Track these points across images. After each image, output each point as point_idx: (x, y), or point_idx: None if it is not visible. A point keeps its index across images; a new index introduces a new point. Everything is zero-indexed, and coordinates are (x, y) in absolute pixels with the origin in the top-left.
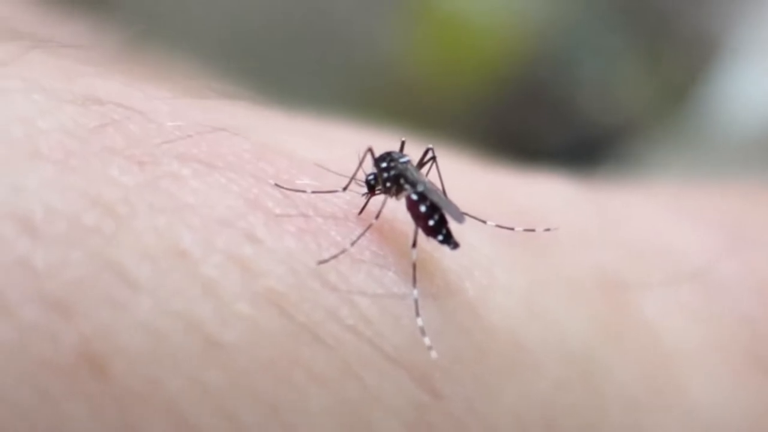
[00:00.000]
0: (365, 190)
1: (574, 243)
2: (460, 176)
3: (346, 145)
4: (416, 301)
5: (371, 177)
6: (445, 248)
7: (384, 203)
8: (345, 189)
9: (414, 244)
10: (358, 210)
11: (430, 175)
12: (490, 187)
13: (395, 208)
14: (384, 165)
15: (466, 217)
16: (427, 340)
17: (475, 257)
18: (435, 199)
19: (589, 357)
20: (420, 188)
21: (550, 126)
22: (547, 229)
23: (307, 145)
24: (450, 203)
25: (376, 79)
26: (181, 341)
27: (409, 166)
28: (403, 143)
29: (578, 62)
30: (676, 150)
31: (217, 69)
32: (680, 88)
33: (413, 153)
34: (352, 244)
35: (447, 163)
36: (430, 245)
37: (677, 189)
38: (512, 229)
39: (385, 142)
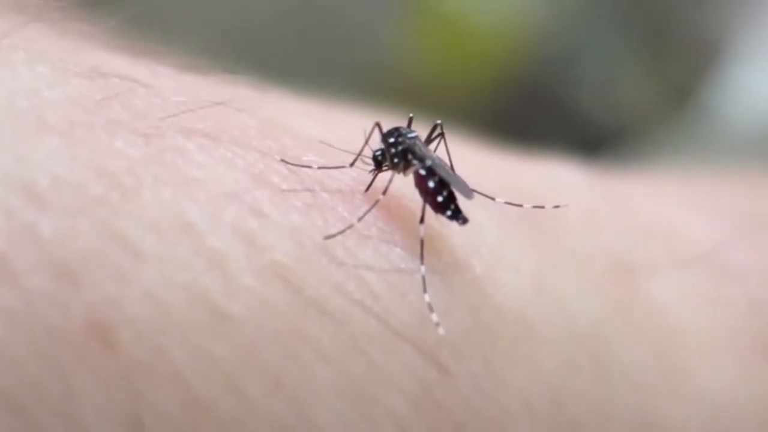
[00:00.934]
0: (372, 167)
1: (584, 226)
2: (468, 160)
3: (352, 125)
4: (423, 278)
5: (379, 153)
6: (454, 225)
7: (391, 179)
8: (352, 165)
9: (422, 220)
10: (365, 187)
11: (438, 152)
12: (499, 170)
13: (402, 186)
14: (392, 140)
15: (475, 195)
16: (434, 317)
17: (483, 236)
18: (443, 174)
19: (597, 338)
20: (428, 163)
21: (552, 126)
22: (557, 206)
23: (312, 123)
24: (459, 179)
25: (377, 78)
26: (187, 313)
27: (417, 141)
28: (410, 119)
29: (581, 62)
30: (678, 150)
31: (219, 65)
32: (682, 89)
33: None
34: (359, 219)
35: (455, 148)
36: (438, 222)
37: (684, 176)
38: (521, 205)
39: (391, 123)
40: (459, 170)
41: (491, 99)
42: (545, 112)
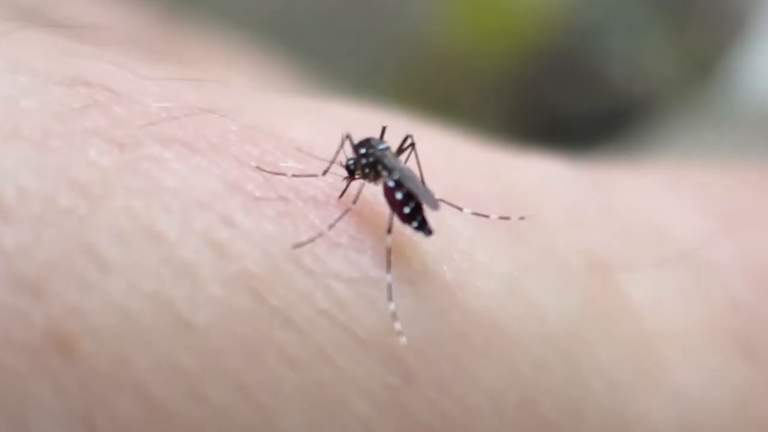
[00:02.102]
0: (347, 174)
1: (564, 223)
2: (459, 156)
3: (340, 124)
4: (389, 286)
5: (351, 162)
6: (420, 235)
7: (362, 188)
8: (324, 173)
9: (389, 231)
10: (340, 194)
11: (409, 162)
12: (488, 167)
13: (377, 192)
14: (363, 151)
15: (441, 206)
16: (397, 325)
17: (456, 240)
18: (411, 186)
19: (572, 338)
20: (396, 175)
21: (579, 96)
22: (522, 218)
23: (298, 124)
24: (426, 191)
25: (408, 51)
26: (151, 322)
27: (387, 152)
28: (383, 129)
29: (606, 34)
30: (700, 121)
31: (250, 42)
32: (706, 61)
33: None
34: (330, 227)
35: (444, 144)
36: (408, 230)
37: (678, 168)
38: (487, 216)
39: (381, 121)
40: (444, 168)
41: (520, 70)
42: (572, 82)
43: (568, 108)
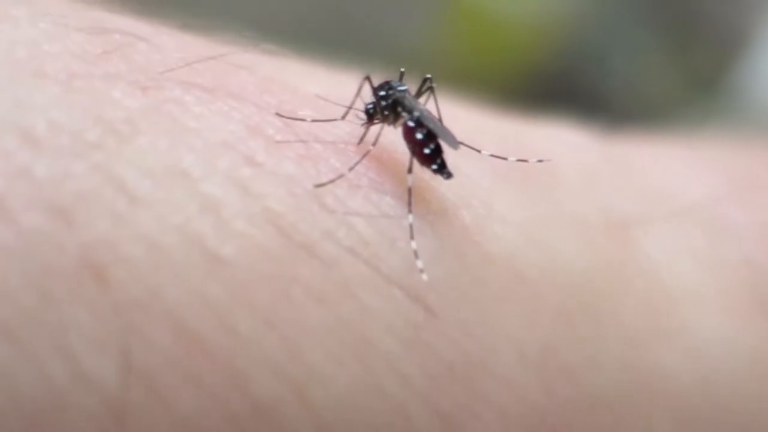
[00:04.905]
0: (364, 120)
1: (579, 182)
2: (467, 119)
3: (351, 84)
4: (411, 225)
5: (370, 105)
6: (440, 178)
7: (381, 131)
8: (343, 118)
9: (410, 170)
10: (359, 139)
11: (428, 106)
12: (497, 130)
13: (395, 140)
14: (382, 93)
15: (465, 150)
16: (419, 263)
17: (473, 188)
18: (431, 126)
19: (590, 290)
20: (416, 114)
21: (580, 116)
22: (540, 160)
23: (311, 82)
24: (446, 130)
25: (407, 67)
26: (180, 254)
27: (406, 94)
28: (402, 74)
29: (607, 53)
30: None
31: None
32: (708, 79)
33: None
34: (350, 169)
35: (456, 109)
36: (427, 174)
37: (689, 141)
38: (506, 158)
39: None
40: (455, 127)
41: (518, 90)
42: (572, 102)
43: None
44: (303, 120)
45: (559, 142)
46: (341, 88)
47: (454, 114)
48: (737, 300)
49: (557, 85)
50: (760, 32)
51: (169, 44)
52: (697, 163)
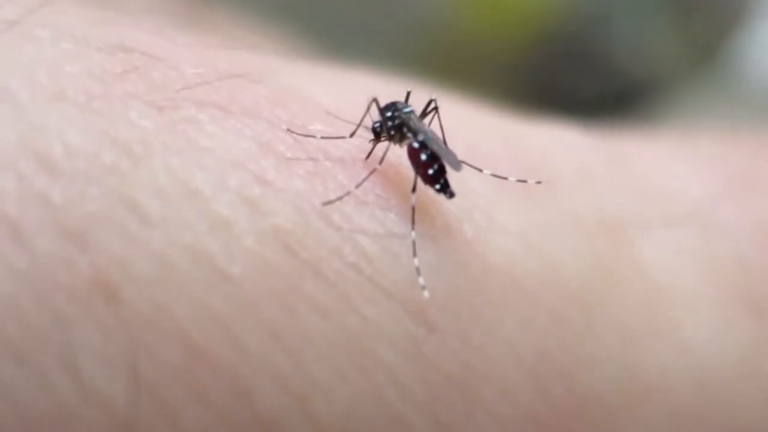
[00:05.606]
0: (373, 137)
1: (578, 185)
2: (471, 123)
3: (365, 91)
4: (414, 242)
5: (377, 125)
6: (442, 197)
7: (387, 149)
8: (351, 136)
9: (414, 189)
10: (366, 155)
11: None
12: (500, 132)
13: (401, 155)
14: (388, 114)
15: (464, 166)
16: (421, 280)
17: (476, 200)
18: (435, 147)
19: (586, 292)
20: (421, 137)
21: (586, 79)
22: (538, 182)
23: (325, 89)
24: (449, 152)
25: (418, 36)
26: (189, 271)
27: (412, 116)
28: (408, 94)
29: (612, 19)
30: (705, 102)
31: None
32: (710, 44)
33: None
34: (357, 186)
35: (461, 111)
36: (431, 191)
37: (685, 137)
38: (506, 178)
39: (404, 89)
40: (463, 134)
41: (528, 54)
42: (579, 65)
43: (577, 89)
44: (313, 137)
45: (559, 142)
46: (354, 97)
47: (458, 115)
48: (729, 300)
49: (564, 49)
50: (759, 3)
51: (187, 58)
52: (695, 161)
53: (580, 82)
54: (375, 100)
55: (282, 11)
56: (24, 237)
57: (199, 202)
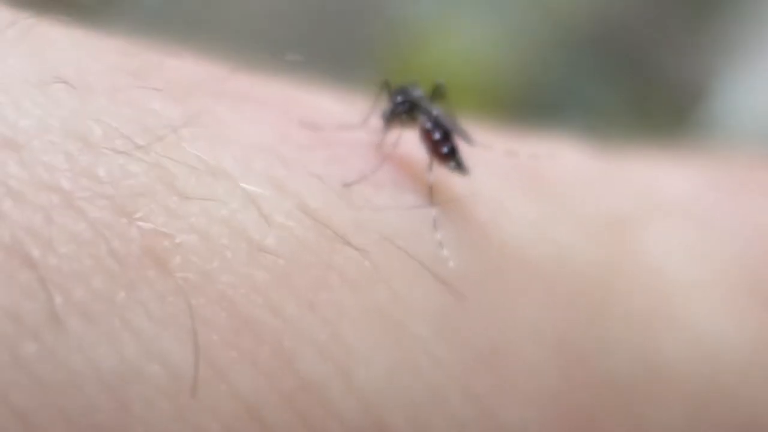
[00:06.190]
0: (383, 123)
1: (580, 186)
2: (475, 136)
3: (365, 102)
4: (434, 218)
5: (387, 110)
6: (457, 178)
7: (400, 134)
8: (363, 123)
9: (429, 168)
10: (378, 142)
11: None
12: (505, 145)
13: (414, 141)
14: (399, 98)
15: (475, 156)
16: (445, 252)
17: (484, 187)
18: (447, 125)
19: (598, 282)
20: (434, 113)
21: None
22: (550, 157)
23: (328, 100)
24: (461, 128)
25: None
26: (228, 243)
27: (422, 98)
28: (415, 81)
29: (564, 110)
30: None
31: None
32: (667, 130)
33: None
34: (374, 170)
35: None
36: (442, 174)
37: (677, 153)
38: (517, 155)
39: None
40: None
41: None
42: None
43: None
44: (326, 127)
45: (554, 149)
46: (353, 102)
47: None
48: (737, 292)
49: (523, 119)
50: (714, 86)
51: (194, 62)
52: (690, 170)
53: None
54: (386, 84)
55: (245, 42)
56: (78, 206)
57: (229, 181)
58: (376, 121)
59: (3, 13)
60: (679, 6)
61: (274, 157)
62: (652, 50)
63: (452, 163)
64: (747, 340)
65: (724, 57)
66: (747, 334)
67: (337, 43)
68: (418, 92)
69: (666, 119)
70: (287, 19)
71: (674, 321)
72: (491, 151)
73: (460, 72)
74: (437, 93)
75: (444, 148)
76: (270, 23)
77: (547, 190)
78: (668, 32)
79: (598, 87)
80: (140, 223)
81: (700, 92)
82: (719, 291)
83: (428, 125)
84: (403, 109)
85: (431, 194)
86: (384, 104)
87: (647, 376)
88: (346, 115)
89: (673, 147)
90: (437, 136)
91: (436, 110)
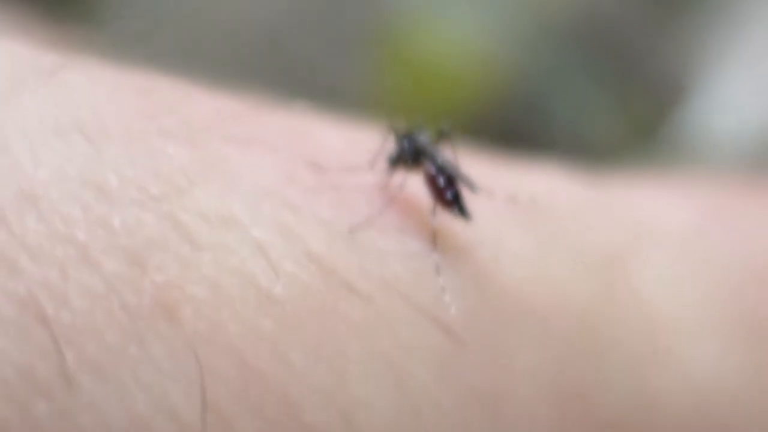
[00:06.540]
0: (389, 166)
1: (574, 222)
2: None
3: (369, 135)
4: (437, 263)
5: (393, 154)
6: (459, 220)
7: (405, 177)
8: (370, 165)
9: (433, 213)
10: (384, 184)
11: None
12: (493, 174)
13: (418, 185)
14: (405, 142)
15: (479, 191)
16: (447, 297)
17: (485, 228)
18: (451, 171)
19: (593, 317)
20: (439, 161)
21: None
22: (548, 201)
23: (334, 134)
24: (465, 175)
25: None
26: (237, 293)
27: (427, 142)
28: (420, 124)
29: (550, 103)
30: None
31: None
32: (647, 126)
33: None
34: (379, 213)
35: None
36: (445, 217)
37: (662, 177)
38: (517, 199)
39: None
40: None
41: (463, 140)
42: (514, 152)
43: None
44: (333, 169)
45: (549, 184)
46: (363, 138)
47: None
48: (726, 326)
49: (500, 134)
50: (694, 82)
51: (206, 102)
52: (677, 200)
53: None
54: (393, 128)
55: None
56: (92, 259)
57: (239, 228)
58: (381, 164)
59: (25, 55)
60: (666, 4)
61: (282, 201)
62: (638, 46)
63: (455, 209)
64: (739, 376)
65: (708, 54)
66: (736, 367)
67: (328, 35)
68: (424, 137)
69: (650, 115)
70: (277, 12)
71: (669, 357)
72: (493, 197)
73: (448, 65)
74: (442, 136)
75: (448, 193)
76: (261, 14)
77: (544, 226)
78: (654, 30)
79: (584, 81)
80: (153, 275)
81: (684, 89)
82: (714, 327)
83: (433, 171)
84: (409, 153)
85: (434, 239)
86: (390, 148)
87: (643, 413)
88: (351, 153)
89: (660, 149)
90: (441, 182)
91: (441, 156)
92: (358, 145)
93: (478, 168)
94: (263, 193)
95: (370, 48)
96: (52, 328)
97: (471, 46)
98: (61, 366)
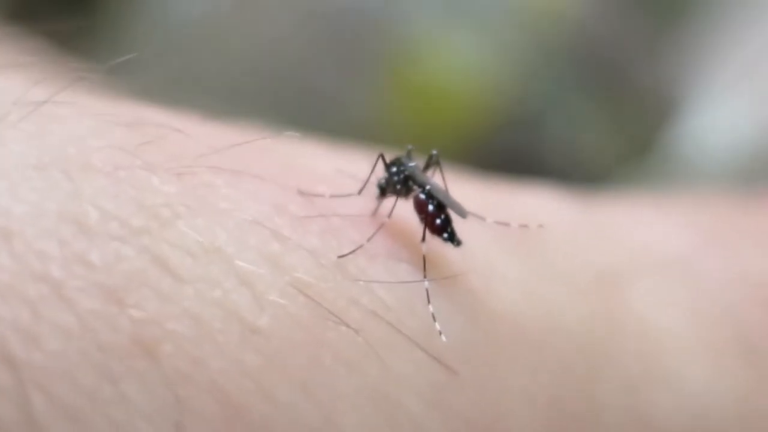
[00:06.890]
0: (378, 194)
1: (566, 244)
2: (455, 189)
3: (359, 161)
4: (427, 290)
5: (383, 181)
6: (449, 246)
7: (395, 204)
8: (360, 192)
9: (423, 239)
10: (373, 212)
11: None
12: (484, 199)
13: (406, 209)
14: (394, 169)
15: (468, 216)
16: (437, 325)
17: (476, 253)
18: (441, 197)
19: (587, 339)
20: (427, 187)
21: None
22: (540, 226)
23: (323, 162)
24: (454, 201)
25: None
26: (220, 326)
27: (416, 169)
28: (409, 151)
29: (546, 124)
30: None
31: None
32: (645, 143)
33: None
34: (369, 240)
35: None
36: (436, 242)
37: (655, 198)
38: (508, 224)
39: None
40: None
41: (463, 158)
42: (514, 172)
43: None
44: (322, 196)
45: (540, 207)
46: (349, 164)
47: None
48: (721, 345)
49: (498, 155)
50: (687, 100)
51: (199, 132)
52: (670, 220)
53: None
54: (381, 155)
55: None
56: (67, 297)
57: (224, 259)
58: (371, 190)
59: (12, 89)
60: (657, 21)
61: (269, 232)
62: (632, 67)
63: (445, 234)
64: (734, 395)
65: (701, 73)
66: (731, 386)
67: (333, 58)
68: (413, 164)
69: (644, 133)
70: (286, 35)
71: (663, 378)
72: (484, 222)
73: (450, 88)
74: (431, 162)
75: (438, 219)
76: (269, 39)
77: (536, 251)
78: (646, 50)
79: (580, 102)
80: (132, 311)
81: (678, 108)
82: (704, 344)
83: (422, 197)
84: (398, 180)
85: (425, 266)
86: (379, 175)
87: None
88: (341, 180)
89: (655, 166)
90: (431, 208)
91: (430, 183)
92: (347, 172)
93: (471, 192)
94: (250, 224)
95: (374, 73)
96: (20, 371)
97: (472, 70)
98: (28, 413)
